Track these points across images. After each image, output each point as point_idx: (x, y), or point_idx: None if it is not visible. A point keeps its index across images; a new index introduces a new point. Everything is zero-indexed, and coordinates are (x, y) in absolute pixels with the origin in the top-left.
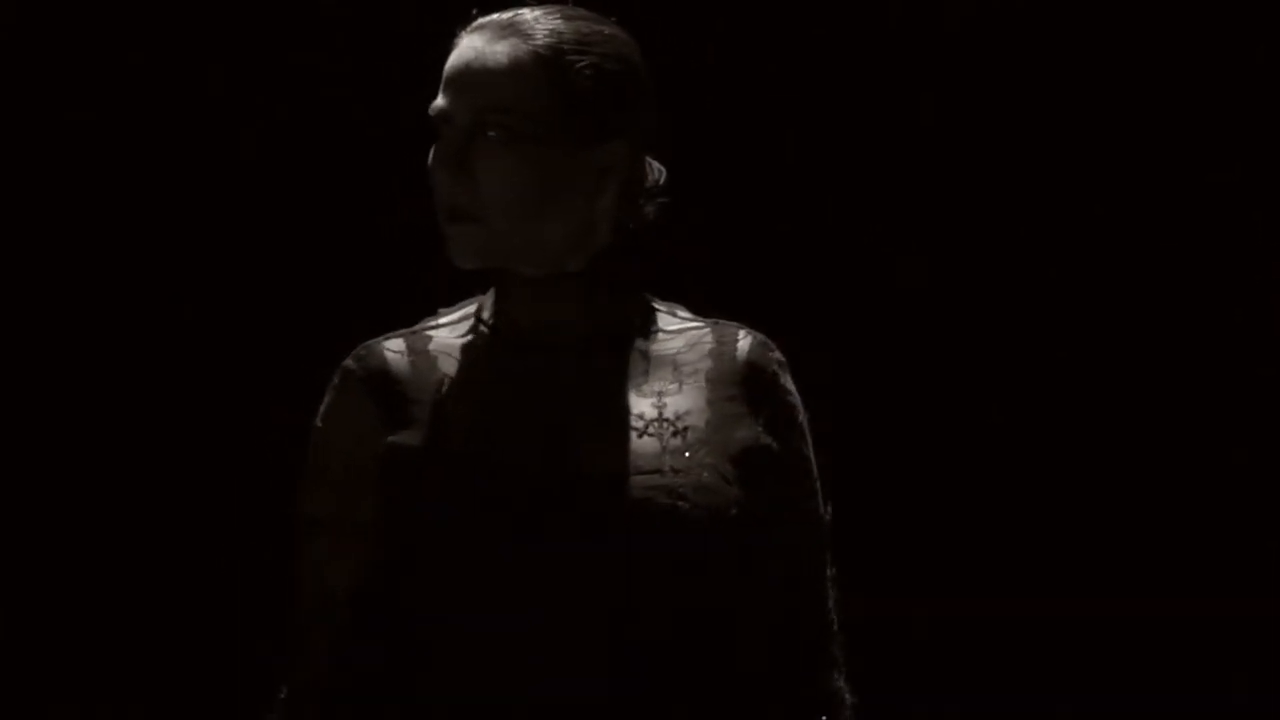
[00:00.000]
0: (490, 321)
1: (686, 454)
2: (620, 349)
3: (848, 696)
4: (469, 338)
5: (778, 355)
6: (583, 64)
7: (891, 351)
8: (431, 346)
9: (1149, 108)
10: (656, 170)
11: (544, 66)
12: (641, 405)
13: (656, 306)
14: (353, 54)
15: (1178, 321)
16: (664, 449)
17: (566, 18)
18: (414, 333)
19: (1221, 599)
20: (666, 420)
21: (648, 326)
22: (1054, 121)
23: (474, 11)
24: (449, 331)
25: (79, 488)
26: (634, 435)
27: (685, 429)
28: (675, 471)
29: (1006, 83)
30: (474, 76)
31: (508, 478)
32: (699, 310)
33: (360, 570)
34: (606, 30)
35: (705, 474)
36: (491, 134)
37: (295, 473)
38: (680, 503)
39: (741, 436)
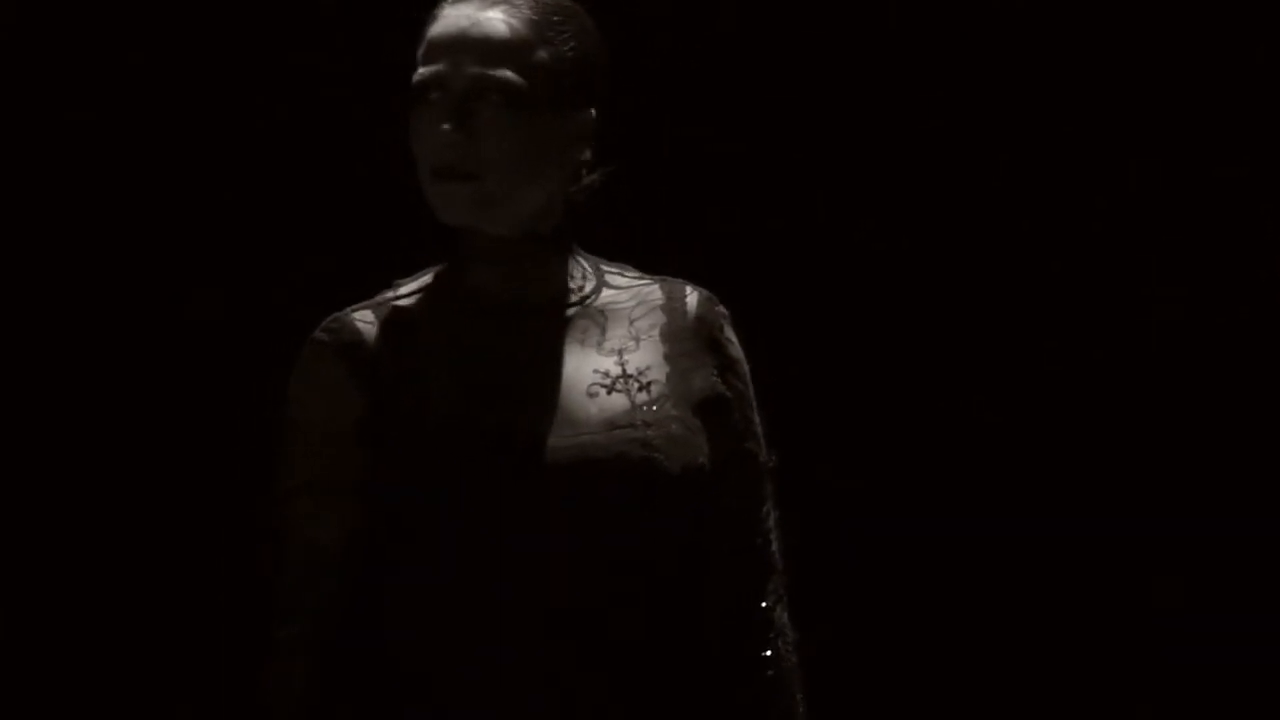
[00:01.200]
0: (458, 287)
1: (654, 407)
2: (580, 309)
3: (791, 631)
4: (438, 304)
5: (722, 309)
6: (566, 34)
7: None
8: (400, 316)
9: (1153, 101)
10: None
11: (536, 33)
12: (605, 363)
13: (605, 267)
14: (353, 54)
15: (1177, 320)
16: (633, 404)
17: None
18: (379, 304)
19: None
20: (630, 376)
21: (601, 286)
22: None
23: None
24: (413, 300)
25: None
26: (603, 392)
27: (649, 384)
28: (647, 425)
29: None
30: (472, 43)
31: (492, 440)
32: (646, 270)
33: (345, 529)
34: (574, 5)
35: (674, 426)
36: (494, 97)
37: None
38: (655, 454)
39: (700, 387)
